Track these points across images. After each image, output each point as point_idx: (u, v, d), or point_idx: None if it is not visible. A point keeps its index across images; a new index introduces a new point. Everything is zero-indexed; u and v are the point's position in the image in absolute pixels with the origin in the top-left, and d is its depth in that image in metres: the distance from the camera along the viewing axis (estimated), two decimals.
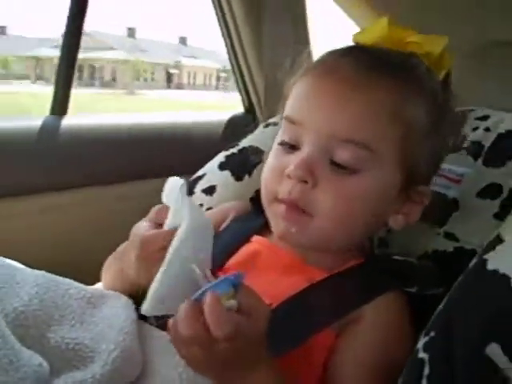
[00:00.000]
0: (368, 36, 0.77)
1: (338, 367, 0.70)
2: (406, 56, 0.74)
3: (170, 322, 0.58)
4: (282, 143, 0.76)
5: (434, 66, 0.76)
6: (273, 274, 0.77)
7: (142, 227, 0.71)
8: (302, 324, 0.71)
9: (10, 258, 0.80)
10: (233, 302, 0.58)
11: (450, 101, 0.77)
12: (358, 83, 0.71)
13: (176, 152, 1.40)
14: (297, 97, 0.76)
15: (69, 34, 1.39)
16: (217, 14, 1.68)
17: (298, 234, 0.73)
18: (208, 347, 0.56)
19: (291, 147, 0.75)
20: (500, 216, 0.82)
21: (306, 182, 0.71)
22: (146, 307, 0.59)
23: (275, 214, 0.75)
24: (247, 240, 0.85)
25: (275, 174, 0.75)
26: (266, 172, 0.78)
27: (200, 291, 0.57)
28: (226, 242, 0.84)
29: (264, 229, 0.84)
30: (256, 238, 0.84)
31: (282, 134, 0.77)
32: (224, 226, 0.91)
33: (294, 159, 0.72)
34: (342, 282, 0.76)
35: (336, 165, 0.71)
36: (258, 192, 0.89)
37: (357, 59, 0.73)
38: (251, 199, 1.03)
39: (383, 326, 0.72)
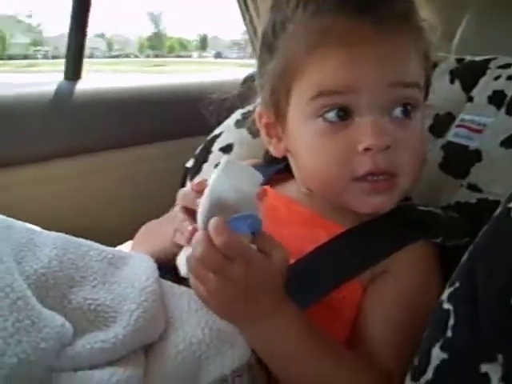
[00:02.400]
0: None
1: (366, 321, 0.70)
2: None
3: (188, 255, 0.59)
4: (325, 118, 0.71)
5: None
6: (293, 228, 0.77)
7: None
8: (325, 275, 0.71)
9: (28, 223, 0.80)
10: (252, 246, 0.58)
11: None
12: (390, 27, 0.70)
13: (191, 112, 1.39)
14: (334, 66, 0.70)
15: None
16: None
17: (389, 200, 0.73)
18: (219, 268, 0.57)
19: (340, 118, 0.70)
20: None
21: (388, 147, 0.69)
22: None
23: (360, 193, 0.72)
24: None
25: (340, 155, 0.71)
26: (321, 157, 0.72)
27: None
28: None
29: (274, 180, 0.85)
30: (270, 191, 0.81)
31: (317, 110, 0.71)
32: None
33: (364, 130, 0.69)
34: (364, 233, 0.75)
35: (402, 112, 0.71)
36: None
37: (365, 9, 0.69)
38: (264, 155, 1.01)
39: (411, 277, 0.72)
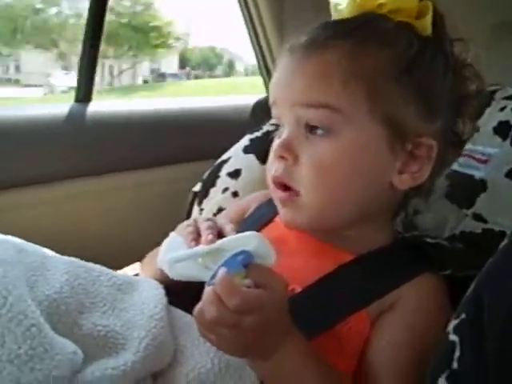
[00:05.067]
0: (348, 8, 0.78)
1: (373, 355, 0.70)
2: (368, 17, 0.75)
3: (195, 310, 0.60)
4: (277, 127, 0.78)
5: (412, 18, 0.74)
6: (301, 258, 0.77)
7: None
8: (331, 306, 0.71)
9: (38, 243, 0.81)
10: (247, 281, 0.59)
11: (434, 44, 0.75)
12: (313, 51, 0.73)
13: (200, 136, 1.41)
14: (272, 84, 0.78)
15: (91, 21, 1.40)
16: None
17: (293, 215, 0.74)
18: (234, 325, 0.58)
19: (278, 129, 0.77)
20: None
21: (286, 159, 0.72)
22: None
23: (275, 200, 0.77)
24: (270, 220, 0.86)
25: (270, 159, 0.77)
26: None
27: (211, 274, 0.60)
28: (250, 225, 0.85)
29: None
30: (279, 220, 0.82)
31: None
32: (248, 213, 0.93)
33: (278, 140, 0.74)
34: (371, 264, 0.75)
35: (311, 133, 0.72)
36: None
37: (318, 31, 0.75)
38: None
39: (420, 313, 0.72)
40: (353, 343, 0.71)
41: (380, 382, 0.68)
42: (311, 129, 0.72)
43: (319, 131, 0.71)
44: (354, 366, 0.71)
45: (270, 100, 0.77)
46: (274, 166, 0.74)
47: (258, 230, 0.78)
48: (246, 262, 0.60)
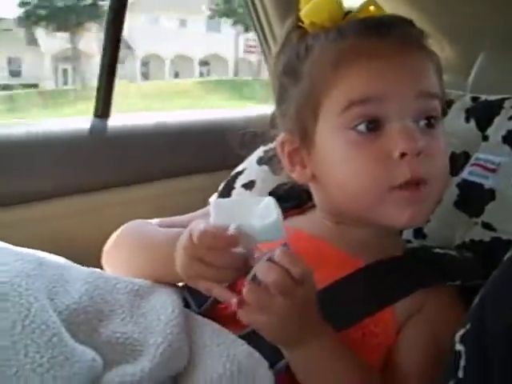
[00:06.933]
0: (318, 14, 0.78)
1: (400, 354, 0.73)
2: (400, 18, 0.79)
3: (247, 289, 0.62)
4: (357, 130, 0.73)
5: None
6: (323, 272, 0.74)
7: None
8: (351, 304, 0.73)
9: (61, 255, 0.83)
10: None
11: None
12: (411, 44, 0.76)
13: (217, 147, 1.43)
14: (365, 77, 0.74)
15: (109, 38, 1.43)
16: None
17: (425, 212, 0.76)
18: (292, 293, 0.61)
19: (370, 130, 0.73)
20: None
21: (420, 152, 0.71)
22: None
23: (398, 203, 0.73)
24: None
25: (375, 164, 0.72)
26: (356, 168, 0.74)
27: (253, 270, 0.63)
28: None
29: (290, 214, 0.88)
30: (299, 233, 0.83)
31: (349, 121, 0.74)
32: None
33: (396, 136, 0.72)
34: (385, 270, 0.77)
35: (426, 125, 0.74)
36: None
37: (386, 31, 0.75)
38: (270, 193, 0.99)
39: (444, 320, 0.73)
40: (375, 342, 0.72)
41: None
42: (428, 119, 0.75)
43: (432, 121, 0.75)
44: (378, 364, 0.73)
45: (375, 94, 0.73)
46: (401, 169, 0.71)
47: None
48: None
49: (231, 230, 0.64)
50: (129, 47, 14.76)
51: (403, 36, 0.76)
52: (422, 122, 0.74)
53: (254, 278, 0.63)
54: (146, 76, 18.01)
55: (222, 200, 0.73)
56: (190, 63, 18.18)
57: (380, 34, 0.75)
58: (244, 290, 0.62)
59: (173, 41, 17.29)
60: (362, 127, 0.73)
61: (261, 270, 0.62)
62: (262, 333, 0.64)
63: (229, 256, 0.65)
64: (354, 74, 0.74)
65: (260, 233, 0.65)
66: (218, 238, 0.65)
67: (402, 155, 0.71)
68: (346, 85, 0.74)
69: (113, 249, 0.90)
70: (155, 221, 0.94)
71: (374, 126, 0.73)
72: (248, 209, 0.68)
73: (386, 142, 0.72)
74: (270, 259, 0.62)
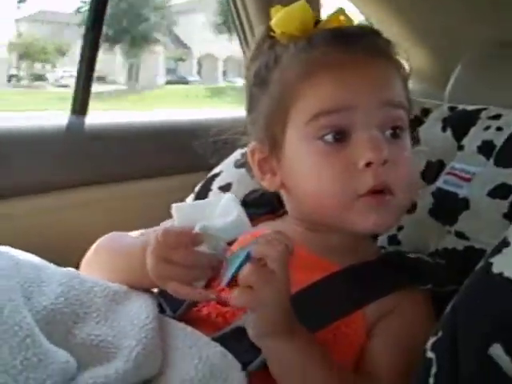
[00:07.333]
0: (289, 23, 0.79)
1: (372, 355, 0.73)
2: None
3: (247, 269, 0.62)
4: (324, 140, 0.74)
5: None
6: (291, 273, 0.78)
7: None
8: (324, 307, 0.73)
9: (34, 253, 0.83)
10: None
11: None
12: (378, 55, 0.77)
13: (194, 148, 1.44)
14: (331, 87, 0.75)
15: (88, 35, 1.43)
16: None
17: (386, 218, 0.75)
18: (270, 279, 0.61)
19: (337, 140, 0.74)
20: (510, 216, 0.84)
21: (386, 161, 0.72)
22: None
23: (364, 210, 0.74)
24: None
25: (342, 173, 0.73)
26: (323, 177, 0.75)
27: (229, 272, 0.63)
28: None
29: (261, 221, 0.88)
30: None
31: (316, 131, 0.74)
32: None
33: (362, 146, 0.72)
34: (358, 274, 0.77)
35: (391, 135, 0.75)
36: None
37: (353, 42, 0.77)
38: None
39: (415, 317, 0.75)
40: (347, 342, 0.73)
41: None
42: (393, 129, 0.76)
43: (397, 131, 0.76)
44: (350, 363, 0.73)
45: (342, 105, 0.74)
46: (366, 177, 0.72)
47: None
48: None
49: (196, 230, 0.66)
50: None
51: (370, 47, 0.77)
52: (388, 132, 0.75)
53: (232, 280, 0.63)
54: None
55: (182, 204, 0.73)
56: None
57: (348, 44, 0.76)
58: (245, 271, 0.62)
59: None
60: (329, 137, 0.74)
61: (259, 249, 0.63)
62: (256, 317, 0.64)
63: (193, 255, 0.66)
64: (320, 84, 0.75)
65: (225, 231, 0.66)
66: (180, 235, 0.66)
67: (368, 164, 0.72)
68: (313, 95, 0.75)
69: (91, 256, 0.90)
70: (136, 233, 0.95)
71: (341, 136, 0.74)
72: (209, 210, 0.69)
73: (352, 151, 0.73)
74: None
